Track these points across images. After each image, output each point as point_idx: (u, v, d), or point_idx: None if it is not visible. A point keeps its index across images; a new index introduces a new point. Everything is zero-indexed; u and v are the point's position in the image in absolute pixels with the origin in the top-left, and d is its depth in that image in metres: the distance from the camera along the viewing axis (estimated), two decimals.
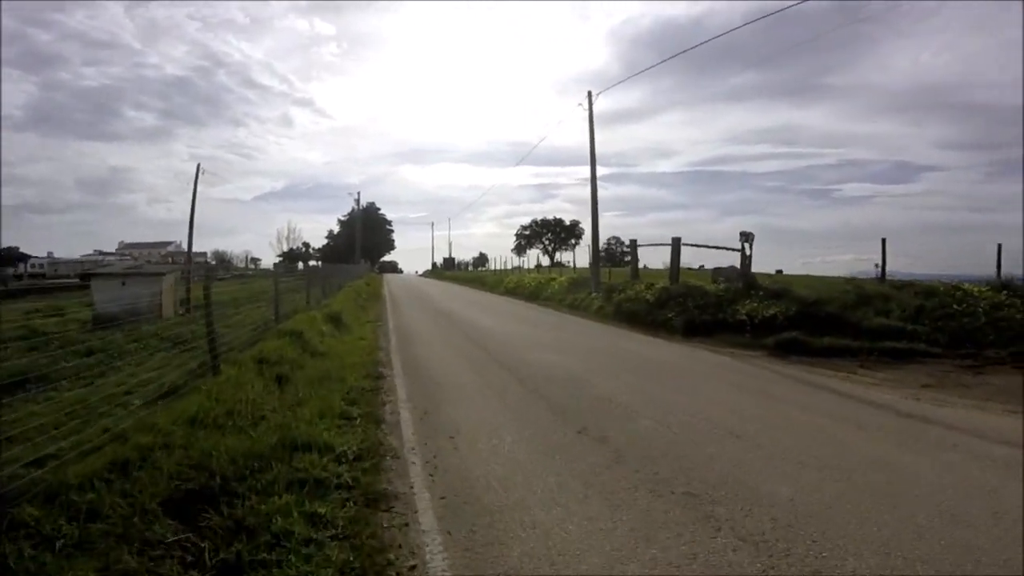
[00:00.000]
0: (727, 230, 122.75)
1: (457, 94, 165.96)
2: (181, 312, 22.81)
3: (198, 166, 28.16)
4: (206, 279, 8.31)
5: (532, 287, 24.35)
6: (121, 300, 14.37)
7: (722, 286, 13.94)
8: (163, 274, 24.29)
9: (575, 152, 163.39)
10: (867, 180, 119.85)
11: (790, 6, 13.24)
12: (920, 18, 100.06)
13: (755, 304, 11.71)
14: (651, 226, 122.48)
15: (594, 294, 18.28)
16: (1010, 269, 11.37)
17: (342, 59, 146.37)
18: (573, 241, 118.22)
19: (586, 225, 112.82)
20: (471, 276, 46.13)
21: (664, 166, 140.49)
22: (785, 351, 9.52)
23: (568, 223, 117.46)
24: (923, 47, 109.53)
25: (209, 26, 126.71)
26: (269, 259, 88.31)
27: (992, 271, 11.55)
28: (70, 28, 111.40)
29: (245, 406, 5.11)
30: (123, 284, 17.18)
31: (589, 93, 19.65)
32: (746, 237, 15.11)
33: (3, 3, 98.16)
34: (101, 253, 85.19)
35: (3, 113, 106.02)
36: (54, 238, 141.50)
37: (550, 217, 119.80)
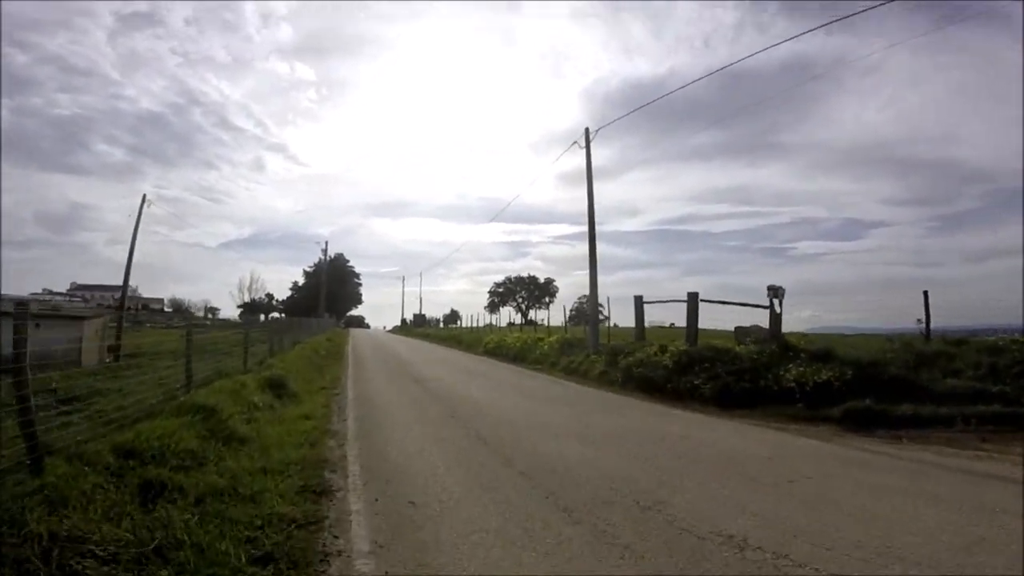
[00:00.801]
0: (691, 288, 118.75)
1: (430, 146, 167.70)
2: (109, 360, 19.27)
3: (143, 197, 25.04)
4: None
5: (517, 348, 21.72)
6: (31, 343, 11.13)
7: (752, 347, 11.76)
8: (86, 318, 20.70)
9: (547, 211, 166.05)
10: (819, 238, 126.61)
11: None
12: (864, 73, 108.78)
13: (802, 368, 9.88)
14: (619, 285, 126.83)
15: (593, 356, 15.82)
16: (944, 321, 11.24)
17: (319, 105, 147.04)
18: (547, 299, 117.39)
19: (561, 283, 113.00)
20: (445, 334, 43.07)
21: (630, 224, 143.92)
22: (859, 423, 8.01)
23: (543, 281, 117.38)
24: (867, 103, 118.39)
25: (190, 62, 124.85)
26: (229, 309, 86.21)
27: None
28: (49, 52, 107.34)
29: None
30: (37, 326, 13.90)
31: (587, 130, 18.14)
32: (775, 292, 13.22)
33: None
34: (51, 292, 79.71)
35: None
36: (12, 277, 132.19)
37: (524, 275, 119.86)
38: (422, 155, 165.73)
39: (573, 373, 15.51)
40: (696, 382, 10.64)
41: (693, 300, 13.87)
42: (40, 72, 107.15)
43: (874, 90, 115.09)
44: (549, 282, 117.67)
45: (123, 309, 24.62)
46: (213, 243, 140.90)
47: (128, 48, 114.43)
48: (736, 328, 14.16)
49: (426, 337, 44.92)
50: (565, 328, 25.83)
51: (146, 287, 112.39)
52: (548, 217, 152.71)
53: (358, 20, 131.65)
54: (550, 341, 19.99)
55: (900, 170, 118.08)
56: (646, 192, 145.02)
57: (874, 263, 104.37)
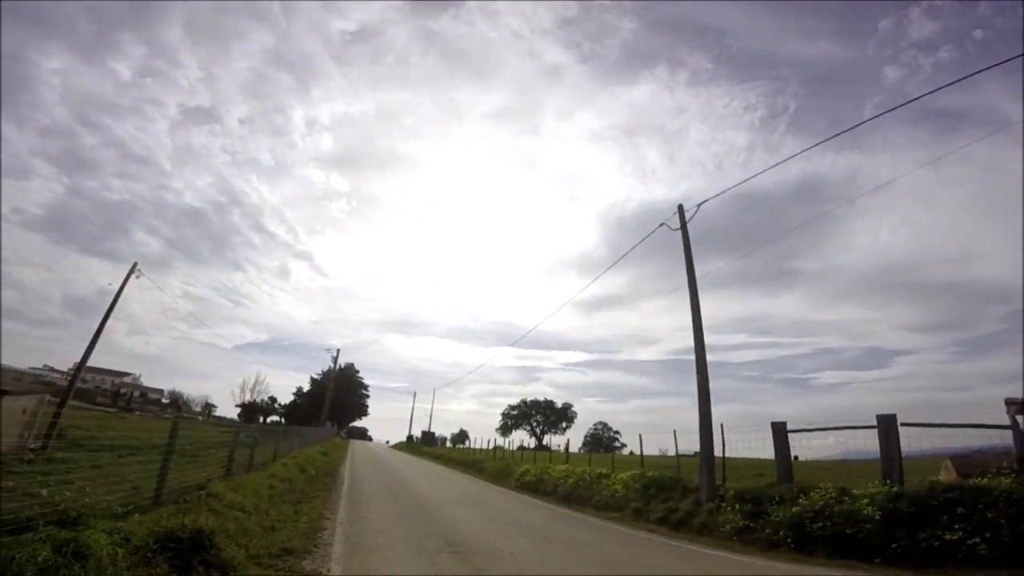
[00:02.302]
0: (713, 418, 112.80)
1: (447, 266, 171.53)
2: (32, 448, 14.33)
3: (134, 264, 21.82)
4: None
5: (569, 484, 16.09)
6: None
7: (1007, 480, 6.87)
8: (5, 392, 15.70)
9: (559, 337, 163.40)
10: (841, 368, 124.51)
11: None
12: (875, 192, 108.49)
13: None
14: (633, 413, 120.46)
15: (710, 504, 10.42)
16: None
17: (348, 216, 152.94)
18: (564, 424, 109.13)
19: (579, 408, 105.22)
20: (460, 456, 36.49)
21: (645, 354, 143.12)
22: None
23: (560, 405, 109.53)
24: (881, 223, 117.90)
25: (237, 162, 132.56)
26: (228, 408, 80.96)
27: None
28: (115, 136, 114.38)
29: None
30: None
31: (680, 207, 14.54)
32: (1021, 408, 8.50)
33: (68, 97, 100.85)
34: (51, 369, 77.47)
35: (23, 208, 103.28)
36: (15, 350, 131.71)
37: (540, 398, 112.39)
38: (438, 274, 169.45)
39: (682, 528, 10.11)
40: (952, 537, 6.95)
41: (889, 424, 8.97)
42: (103, 155, 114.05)
43: (887, 209, 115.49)
44: (567, 407, 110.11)
45: (72, 385, 19.92)
46: (228, 344, 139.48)
47: (185, 141, 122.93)
48: (954, 455, 9.06)
49: (436, 458, 38.30)
50: (589, 456, 19.96)
51: (153, 378, 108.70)
52: (560, 344, 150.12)
53: (392, 136, 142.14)
54: (623, 479, 14.41)
55: (919, 294, 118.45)
56: (662, 321, 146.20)
57: (899, 390, 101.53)
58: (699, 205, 14.93)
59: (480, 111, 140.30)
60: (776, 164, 28.60)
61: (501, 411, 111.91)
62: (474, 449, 42.44)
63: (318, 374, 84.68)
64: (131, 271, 21.76)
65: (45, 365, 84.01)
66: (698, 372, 13.03)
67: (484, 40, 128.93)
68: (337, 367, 67.78)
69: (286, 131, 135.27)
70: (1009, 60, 8.64)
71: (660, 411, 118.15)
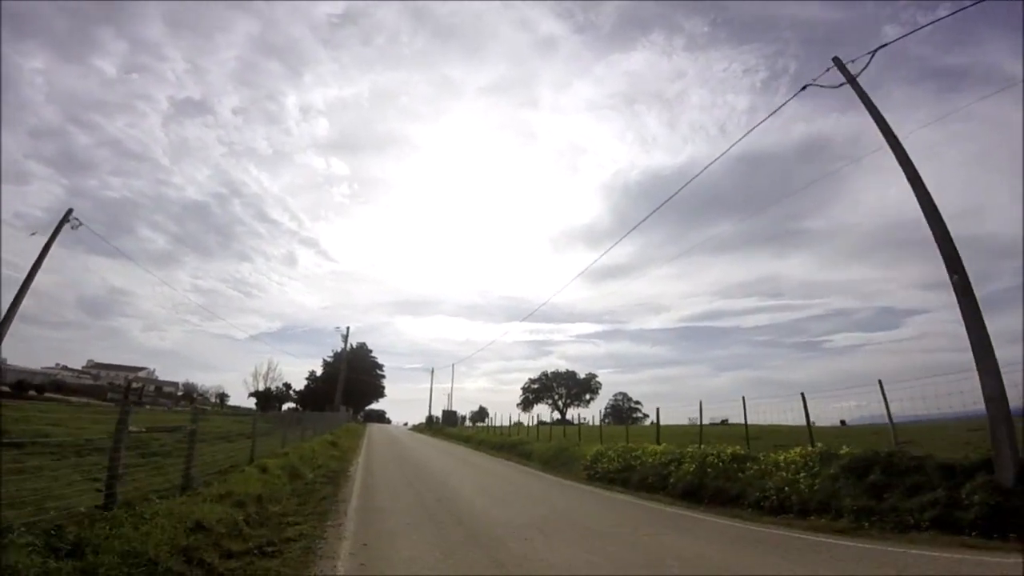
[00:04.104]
0: (723, 385, 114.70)
1: (453, 244, 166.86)
2: None
3: (68, 211, 16.89)
4: None
5: (687, 474, 10.95)
6: None
7: None
8: None
9: (568, 310, 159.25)
10: (855, 329, 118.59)
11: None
12: (881, 152, 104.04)
13: None
14: (646, 383, 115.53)
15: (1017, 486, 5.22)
16: None
17: (351, 200, 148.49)
18: (588, 396, 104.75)
19: (604, 379, 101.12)
20: (490, 437, 31.52)
21: (655, 322, 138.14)
22: None
23: (583, 376, 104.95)
24: (888, 181, 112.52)
25: (234, 152, 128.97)
26: (241, 397, 78.43)
27: None
28: (108, 134, 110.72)
29: None
30: None
31: (837, 59, 9.07)
32: None
33: (54, 97, 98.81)
34: (65, 368, 79.31)
35: (24, 212, 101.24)
36: (33, 352, 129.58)
37: (561, 369, 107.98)
38: (445, 253, 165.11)
39: (993, 534, 4.85)
40: None
41: None
42: (97, 154, 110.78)
43: (894, 167, 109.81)
44: (591, 378, 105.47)
45: None
46: (242, 335, 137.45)
47: (179, 135, 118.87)
48: None
49: (466, 441, 33.49)
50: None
51: (169, 372, 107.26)
52: (569, 316, 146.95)
53: (388, 117, 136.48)
54: (788, 460, 9.25)
55: (929, 251, 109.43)
56: (671, 288, 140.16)
57: (915, 351, 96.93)
58: (873, 52, 9.40)
59: (476, 86, 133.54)
60: (774, 112, 22.64)
61: (520, 386, 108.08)
62: (502, 428, 37.77)
63: (330, 357, 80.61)
64: (64, 219, 16.71)
65: (57, 364, 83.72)
66: (950, 269, 7.71)
67: (475, 14, 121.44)
68: (349, 347, 63.23)
69: (280, 118, 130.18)
70: None
71: (674, 380, 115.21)
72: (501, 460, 20.08)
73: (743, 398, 12.47)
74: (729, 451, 11.29)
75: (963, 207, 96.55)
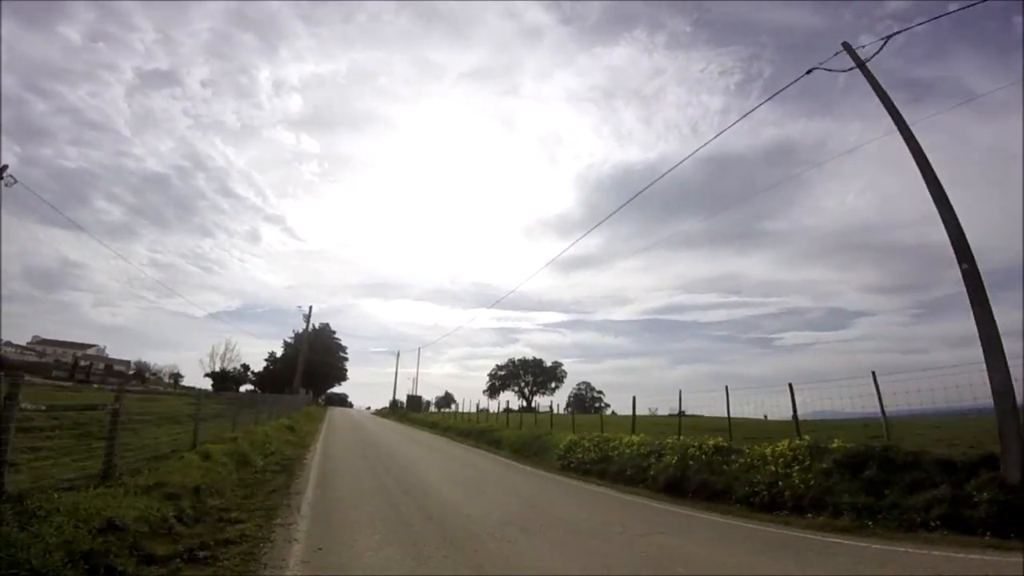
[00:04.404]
0: (680, 377, 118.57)
1: (425, 228, 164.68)
2: None
3: (3, 167, 14.95)
4: None
5: (668, 466, 10.38)
6: None
7: None
8: None
9: (537, 298, 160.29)
10: (805, 328, 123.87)
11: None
12: (843, 158, 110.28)
13: None
14: (608, 372, 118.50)
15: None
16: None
17: (320, 179, 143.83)
18: (554, 384, 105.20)
19: (568, 368, 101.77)
20: (458, 424, 30.68)
21: (620, 314, 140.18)
22: None
23: (549, 364, 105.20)
24: (848, 187, 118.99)
25: (200, 125, 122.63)
26: (196, 378, 74.77)
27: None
28: (67, 103, 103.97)
29: None
30: None
31: (847, 44, 8.99)
32: None
33: (8, 64, 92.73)
34: (8, 344, 73.69)
35: None
36: None
37: (528, 357, 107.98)
38: (416, 237, 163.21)
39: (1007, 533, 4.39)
40: None
41: None
42: (55, 123, 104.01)
43: (854, 174, 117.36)
44: (556, 366, 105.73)
45: None
46: (200, 313, 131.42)
47: (143, 106, 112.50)
48: None
49: (431, 427, 32.57)
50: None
51: (121, 350, 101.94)
52: (537, 305, 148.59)
53: (365, 96, 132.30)
54: (777, 454, 8.78)
55: (881, 256, 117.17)
56: (636, 281, 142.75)
57: (859, 352, 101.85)
58: (885, 40, 8.93)
59: (457, 71, 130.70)
60: (744, 116, 22.62)
61: (486, 372, 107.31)
62: (469, 414, 37.00)
63: (290, 338, 77.85)
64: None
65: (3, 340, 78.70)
66: (960, 258, 7.27)
67: None
68: (312, 328, 61.02)
69: (252, 92, 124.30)
70: None
71: (636, 371, 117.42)
72: (469, 448, 19.29)
73: (726, 388, 12.09)
74: (711, 443, 10.80)
75: (916, 217, 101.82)
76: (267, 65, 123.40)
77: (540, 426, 21.00)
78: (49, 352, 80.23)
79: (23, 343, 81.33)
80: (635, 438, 12.83)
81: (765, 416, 20.80)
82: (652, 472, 10.80)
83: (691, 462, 10.37)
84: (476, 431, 24.03)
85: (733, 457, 9.95)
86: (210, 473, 8.13)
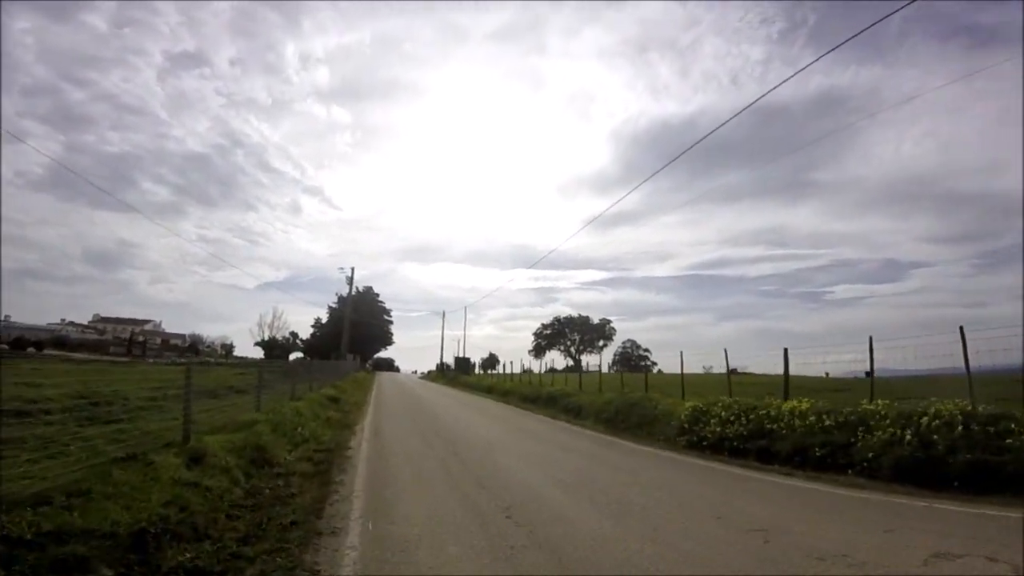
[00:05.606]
0: (726, 334, 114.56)
1: (460, 191, 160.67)
2: None
3: None
4: None
5: (876, 443, 6.65)
6: None
7: None
8: None
9: (573, 256, 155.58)
10: (857, 280, 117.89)
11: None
12: (899, 105, 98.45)
13: None
14: (651, 330, 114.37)
15: None
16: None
17: (354, 149, 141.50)
18: (602, 343, 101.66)
19: (618, 325, 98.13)
20: (517, 387, 27.58)
21: (661, 270, 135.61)
22: None
23: (597, 321, 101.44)
24: (904, 136, 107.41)
25: (233, 103, 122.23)
26: (247, 347, 76.47)
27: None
28: (103, 89, 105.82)
29: None
30: None
31: None
32: None
33: (44, 56, 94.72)
34: (71, 323, 78.59)
35: (25, 170, 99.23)
36: (40, 309, 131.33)
37: (574, 314, 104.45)
38: (452, 200, 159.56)
39: None
40: None
41: None
42: (94, 109, 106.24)
43: (911, 122, 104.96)
44: (605, 323, 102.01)
45: None
46: (251, 284, 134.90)
47: (176, 88, 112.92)
48: None
49: (487, 392, 29.69)
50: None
51: (178, 324, 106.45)
52: (575, 263, 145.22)
53: (392, 63, 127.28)
54: None
55: (941, 206, 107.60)
56: (678, 236, 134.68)
57: (916, 305, 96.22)
58: None
59: (482, 32, 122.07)
60: (796, 73, 17.13)
61: (528, 332, 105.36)
62: (522, 376, 34.05)
63: (335, 302, 76.90)
64: None
65: (63, 319, 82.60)
66: None
67: None
68: (354, 289, 59.20)
69: (280, 68, 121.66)
70: None
71: (679, 328, 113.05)
72: (546, 419, 15.97)
73: (785, 351, 8.03)
74: (948, 409, 6.99)
75: (981, 164, 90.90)
76: (292, 39, 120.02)
77: (630, 389, 17.50)
78: (109, 329, 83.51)
79: (84, 322, 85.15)
80: (802, 404, 9.05)
81: (827, 374, 17.88)
82: (865, 452, 7.12)
83: (935, 437, 6.61)
84: (544, 396, 20.76)
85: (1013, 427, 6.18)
86: (191, 493, 4.94)
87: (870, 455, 7.09)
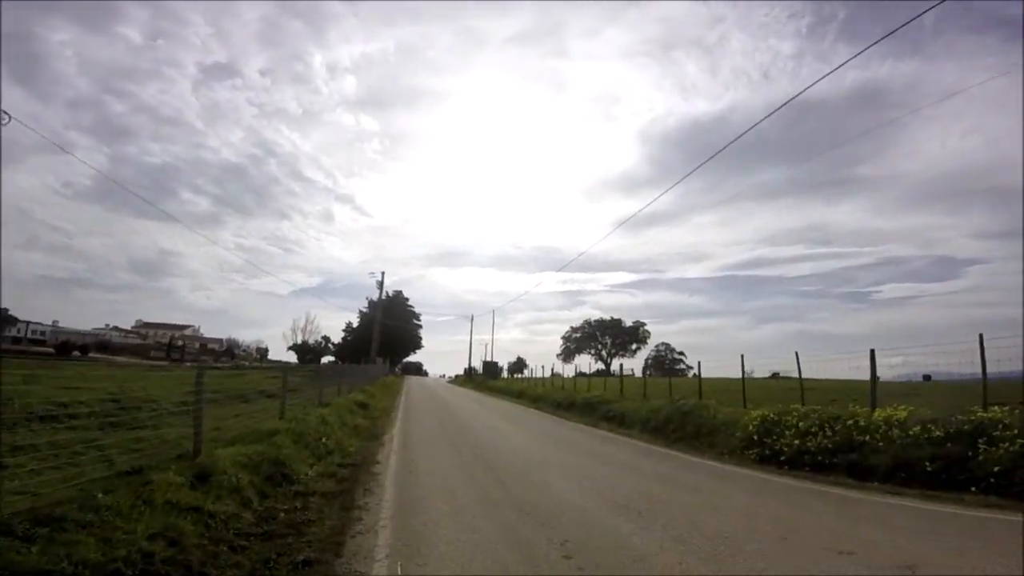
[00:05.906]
0: (764, 338, 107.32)
1: (485, 195, 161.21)
2: None
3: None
4: None
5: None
6: None
7: None
8: None
9: (603, 259, 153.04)
10: (907, 279, 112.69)
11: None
12: (942, 98, 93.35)
13: None
14: (683, 334, 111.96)
15: None
16: None
17: (383, 157, 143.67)
18: (635, 346, 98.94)
19: (652, 328, 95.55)
20: (548, 393, 26.45)
21: (695, 271, 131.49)
22: None
23: (630, 324, 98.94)
24: (950, 129, 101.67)
25: (264, 113, 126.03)
26: (280, 351, 79.52)
27: None
28: (142, 101, 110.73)
29: None
30: None
31: None
32: None
33: (85, 68, 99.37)
34: (115, 328, 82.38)
35: (73, 181, 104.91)
36: (85, 315, 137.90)
37: (605, 317, 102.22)
38: (478, 204, 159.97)
39: None
40: None
41: None
42: (134, 121, 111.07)
43: (955, 116, 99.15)
44: (639, 325, 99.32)
45: None
46: (285, 291, 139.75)
47: (210, 99, 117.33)
48: None
49: (517, 397, 28.67)
50: None
51: (215, 330, 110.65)
52: (604, 265, 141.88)
53: (415, 71, 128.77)
54: None
55: (995, 200, 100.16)
56: (712, 236, 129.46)
57: (970, 304, 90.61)
58: None
59: (501, 36, 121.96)
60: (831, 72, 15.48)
61: (556, 336, 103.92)
62: (552, 380, 32.74)
63: (365, 307, 77.33)
64: None
65: (107, 324, 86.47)
66: None
67: None
68: (384, 294, 59.20)
69: (308, 78, 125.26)
70: None
71: (713, 332, 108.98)
72: (585, 428, 14.86)
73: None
74: None
75: None
76: (318, 50, 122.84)
77: (680, 395, 16.23)
78: (151, 334, 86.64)
79: (128, 327, 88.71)
80: (899, 412, 7.73)
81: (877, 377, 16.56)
82: (989, 466, 5.89)
83: None
84: (579, 402, 19.61)
85: None
86: (189, 521, 4.12)
87: (995, 469, 5.83)
